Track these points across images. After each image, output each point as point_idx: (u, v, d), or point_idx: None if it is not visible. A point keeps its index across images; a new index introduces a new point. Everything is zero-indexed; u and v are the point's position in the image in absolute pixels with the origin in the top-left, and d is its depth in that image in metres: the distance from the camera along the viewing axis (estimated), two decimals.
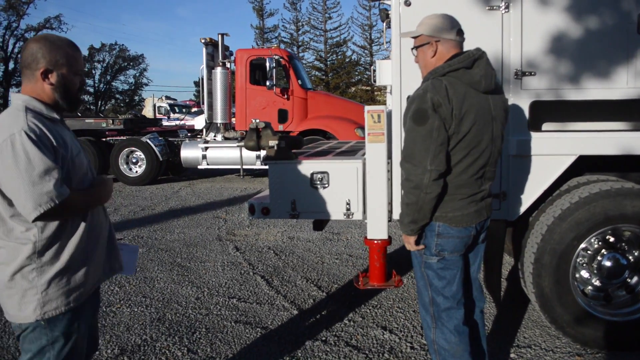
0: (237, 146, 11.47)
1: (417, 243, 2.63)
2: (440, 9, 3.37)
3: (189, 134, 13.72)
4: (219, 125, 12.36)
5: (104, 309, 4.47)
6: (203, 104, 12.57)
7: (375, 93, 58.95)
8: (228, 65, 12.25)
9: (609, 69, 3.38)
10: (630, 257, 3.71)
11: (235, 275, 5.39)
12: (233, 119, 12.82)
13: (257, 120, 3.85)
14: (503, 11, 3.40)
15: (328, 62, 56.41)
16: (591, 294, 3.76)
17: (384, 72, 3.67)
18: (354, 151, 4.49)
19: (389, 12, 3.78)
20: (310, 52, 55.13)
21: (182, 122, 18.10)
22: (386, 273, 3.81)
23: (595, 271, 3.71)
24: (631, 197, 3.47)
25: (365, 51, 57.82)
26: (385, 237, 3.69)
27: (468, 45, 3.38)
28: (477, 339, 2.88)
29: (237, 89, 12.34)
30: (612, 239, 3.72)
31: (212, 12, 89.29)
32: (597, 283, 3.74)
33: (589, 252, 3.71)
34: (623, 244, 3.72)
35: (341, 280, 5.24)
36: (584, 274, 3.74)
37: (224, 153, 12.01)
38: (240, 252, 6.29)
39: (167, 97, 31.00)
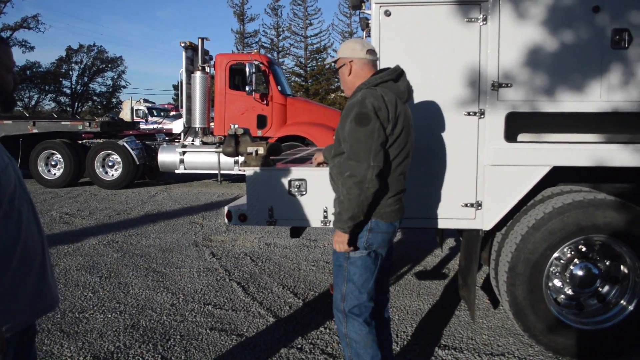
0: (215, 152, 11.42)
1: (349, 243, 2.74)
2: (420, 20, 3.44)
3: (166, 138, 13.60)
4: (197, 129, 12.30)
5: (77, 315, 4.39)
6: (182, 108, 12.49)
7: None
8: (207, 69, 12.20)
9: (583, 82, 3.45)
10: (602, 267, 3.78)
11: (211, 282, 5.34)
12: (212, 124, 12.76)
13: (236, 126, 3.83)
14: (481, 23, 3.45)
15: (308, 68, 56.56)
16: (564, 303, 3.83)
17: None
18: None
19: (369, 21, 3.81)
20: (291, 57, 55.21)
21: (160, 126, 17.93)
22: None
23: (567, 280, 3.77)
24: (603, 207, 3.53)
25: None
26: None
27: (446, 56, 3.44)
28: (387, 336, 3.17)
29: (216, 93, 12.28)
30: (584, 249, 3.79)
31: (192, 16, 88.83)
32: (570, 292, 3.80)
33: (561, 261, 3.77)
34: (595, 253, 3.80)
35: (317, 287, 5.23)
36: (557, 282, 3.80)
37: (201, 158, 11.94)
38: (217, 258, 6.24)
39: (146, 100, 30.65)
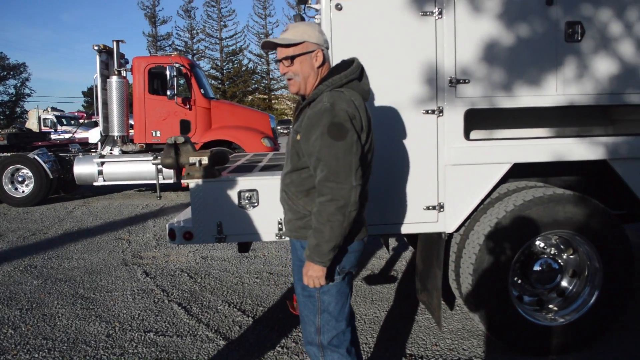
0: (153, 164, 10.75)
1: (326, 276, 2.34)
2: (373, 13, 3.23)
3: (81, 148, 12.68)
4: (115, 138, 11.56)
5: None
6: (97, 115, 11.69)
7: (273, 101, 58.97)
8: (124, 73, 11.49)
9: (539, 77, 3.38)
10: (561, 261, 3.75)
11: (148, 305, 4.88)
12: (131, 132, 12.05)
13: (176, 136, 3.46)
14: (436, 17, 3.29)
15: (224, 71, 55.67)
16: (527, 300, 3.77)
17: None
18: (281, 164, 4.21)
19: (315, 16, 3.57)
20: (206, 60, 54.19)
21: (72, 136, 16.76)
22: None
23: (529, 277, 3.71)
24: (562, 203, 3.49)
25: (262, 60, 57.76)
26: None
27: (401, 53, 3.24)
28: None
29: (135, 99, 11.60)
30: (542, 245, 3.75)
31: (100, 19, 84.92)
32: (532, 289, 3.76)
33: (521, 259, 3.71)
34: (553, 249, 3.76)
35: (265, 301, 4.92)
36: (519, 280, 3.74)
37: (122, 168, 11.21)
38: (151, 278, 5.76)
39: (54, 109, 28.76)
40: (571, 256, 3.78)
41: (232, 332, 4.22)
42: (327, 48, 2.45)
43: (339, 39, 3.26)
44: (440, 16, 3.29)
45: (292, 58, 2.37)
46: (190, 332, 4.24)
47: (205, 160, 3.41)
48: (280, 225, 3.41)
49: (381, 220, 3.48)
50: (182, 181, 3.29)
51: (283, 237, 3.44)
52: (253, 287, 5.34)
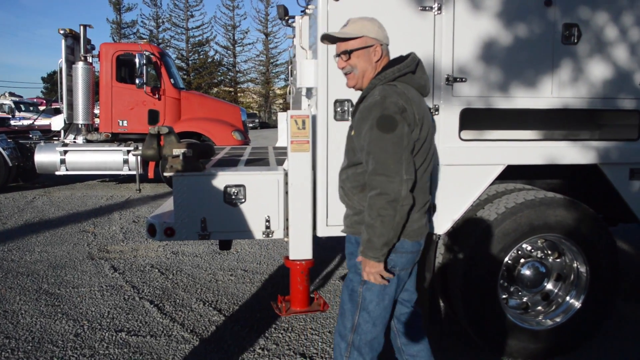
0: (134, 154, 10.37)
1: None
2: (372, 5, 3.11)
3: (43, 136, 12.16)
4: (80, 126, 11.15)
5: None
6: (61, 102, 11.24)
7: (239, 94, 58.39)
8: (90, 60, 11.07)
9: (535, 78, 3.33)
10: (548, 265, 3.73)
11: (118, 302, 4.66)
12: (96, 120, 11.63)
13: (159, 126, 3.27)
14: (435, 12, 3.19)
15: (190, 62, 54.77)
16: (513, 304, 3.73)
17: (307, 74, 3.29)
18: (264, 159, 4.06)
19: (310, 11, 3.43)
20: (172, 50, 53.15)
21: (33, 122, 16.08)
22: (309, 296, 3.44)
23: (517, 281, 3.68)
24: (553, 206, 3.46)
25: (229, 52, 57.13)
26: (310, 257, 3.32)
27: (399, 48, 3.13)
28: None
29: (102, 86, 11.19)
30: (529, 248, 3.71)
31: (61, 3, 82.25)
32: (519, 292, 3.72)
33: (509, 262, 3.67)
34: (539, 252, 3.73)
35: (241, 299, 4.76)
36: (506, 284, 3.70)
37: (86, 157, 10.81)
38: (119, 273, 5.52)
39: (11, 94, 27.67)
40: (557, 260, 3.76)
41: (208, 332, 4.05)
42: (388, 44, 2.43)
43: (335, 30, 3.12)
44: (439, 12, 3.20)
45: (349, 52, 2.37)
46: (165, 332, 4.05)
47: (189, 153, 3.23)
48: (267, 223, 3.27)
49: None
50: (165, 174, 3.10)
51: (270, 235, 3.30)
52: (228, 285, 5.17)
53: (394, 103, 2.19)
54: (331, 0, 3.10)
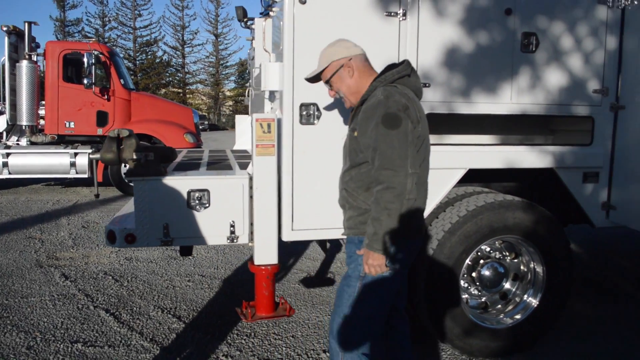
0: (92, 159, 9.99)
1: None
2: (337, 9, 3.12)
3: None
4: (24, 127, 10.68)
5: None
6: (3, 102, 10.74)
7: (187, 96, 57.41)
8: (35, 58, 10.64)
9: (496, 84, 3.42)
10: (506, 265, 3.82)
11: (72, 312, 4.48)
12: (41, 121, 11.18)
13: (120, 129, 3.16)
14: (400, 18, 3.22)
15: (137, 62, 53.47)
16: (473, 304, 3.81)
17: (272, 77, 3.26)
18: (225, 162, 4.00)
19: (275, 11, 3.40)
20: (118, 49, 51.72)
21: None
22: (274, 302, 3.40)
23: (476, 281, 3.76)
24: (512, 209, 3.55)
25: (177, 52, 56.10)
26: (275, 261, 3.29)
27: (368, 52, 3.14)
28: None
29: (48, 86, 10.75)
30: (488, 249, 3.80)
31: None
32: (478, 292, 3.81)
33: (469, 263, 3.74)
34: (497, 253, 3.83)
35: (201, 305, 4.67)
36: (466, 284, 3.77)
37: (31, 160, 10.36)
38: (71, 281, 5.31)
39: None
40: (514, 260, 3.86)
41: (169, 341, 3.95)
42: (359, 52, 2.57)
43: (301, 34, 3.12)
44: (404, 18, 3.23)
45: (328, 82, 2.56)
46: (123, 341, 3.92)
47: (151, 156, 3.14)
48: (232, 228, 3.22)
49: (332, 224, 3.35)
50: (126, 179, 3.00)
51: (235, 240, 3.24)
52: (186, 291, 5.06)
53: (397, 101, 2.30)
54: (297, 3, 3.08)
